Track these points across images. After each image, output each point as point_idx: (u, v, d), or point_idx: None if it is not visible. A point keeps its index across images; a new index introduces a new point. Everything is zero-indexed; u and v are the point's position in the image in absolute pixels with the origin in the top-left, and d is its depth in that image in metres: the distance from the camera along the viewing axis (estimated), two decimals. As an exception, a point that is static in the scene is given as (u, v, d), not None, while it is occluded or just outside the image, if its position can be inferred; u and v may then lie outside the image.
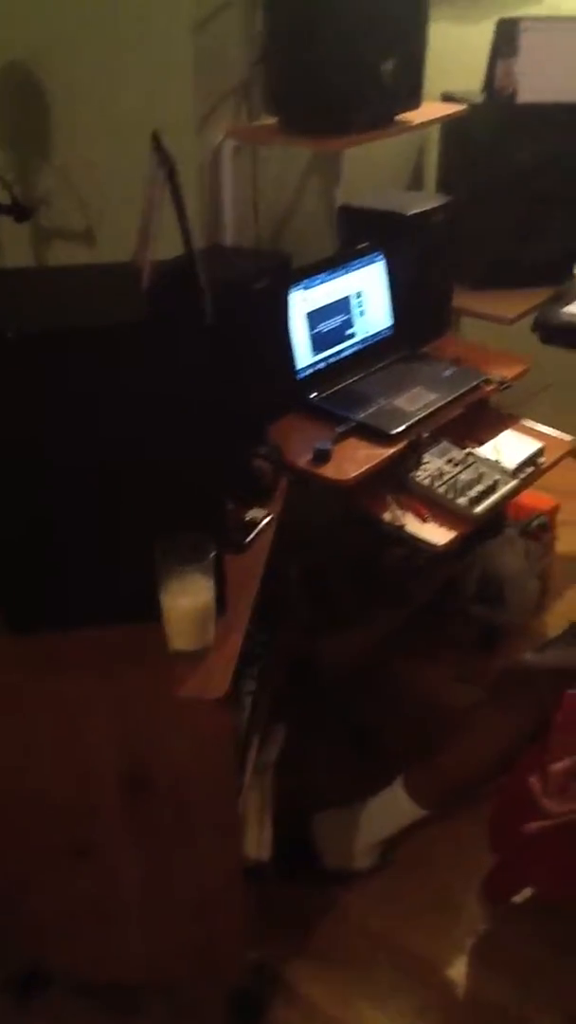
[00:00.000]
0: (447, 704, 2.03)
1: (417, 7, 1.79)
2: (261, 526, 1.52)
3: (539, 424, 2.08)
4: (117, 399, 1.12)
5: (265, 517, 1.55)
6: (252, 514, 1.55)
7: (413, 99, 1.87)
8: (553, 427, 2.11)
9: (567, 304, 2.12)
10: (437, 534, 1.74)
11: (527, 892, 1.73)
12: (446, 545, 1.73)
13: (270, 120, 1.86)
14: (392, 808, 1.73)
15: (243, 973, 1.57)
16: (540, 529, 2.45)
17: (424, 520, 1.77)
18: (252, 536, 1.50)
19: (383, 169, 2.35)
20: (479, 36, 2.22)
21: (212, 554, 1.20)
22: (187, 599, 1.21)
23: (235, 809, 1.38)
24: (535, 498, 2.54)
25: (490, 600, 2.26)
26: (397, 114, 1.87)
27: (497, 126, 2.17)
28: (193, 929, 1.48)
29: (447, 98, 2.27)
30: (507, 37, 2.13)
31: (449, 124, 2.19)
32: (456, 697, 2.02)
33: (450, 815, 1.78)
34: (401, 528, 1.76)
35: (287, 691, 1.91)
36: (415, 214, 2.02)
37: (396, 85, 1.79)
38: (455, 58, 2.33)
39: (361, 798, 1.77)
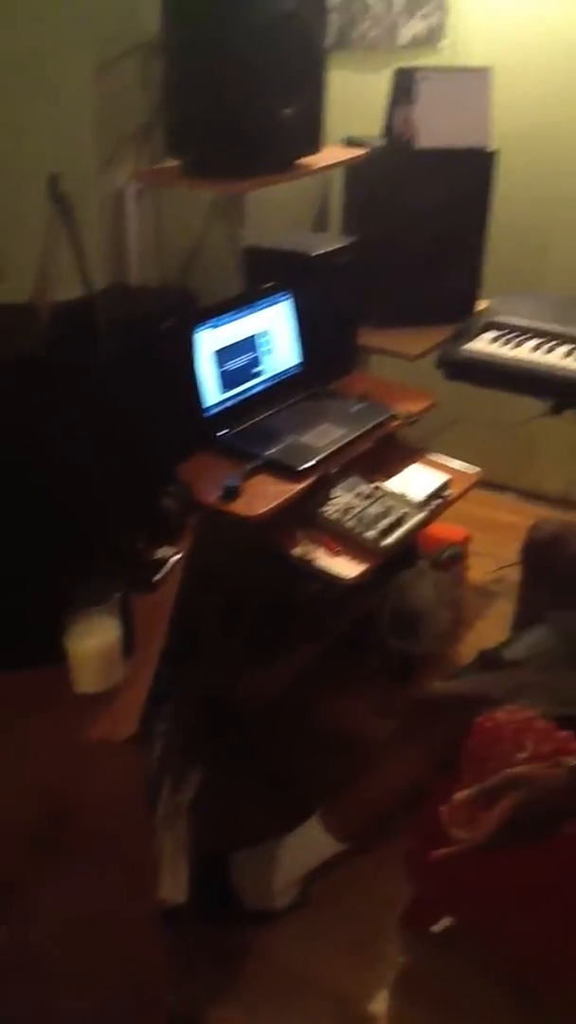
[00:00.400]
0: (365, 737, 2.03)
1: (315, 57, 1.84)
2: (170, 565, 1.52)
3: (445, 457, 2.13)
4: (13, 439, 1.12)
5: (174, 555, 1.55)
6: (161, 553, 1.55)
7: (313, 144, 1.92)
8: (459, 460, 2.17)
9: (468, 341, 2.19)
10: (347, 567, 1.76)
11: (446, 921, 1.74)
12: (356, 578, 1.75)
13: (174, 162, 1.89)
14: (309, 844, 1.72)
15: (168, 1020, 1.54)
16: (452, 560, 2.50)
17: (334, 554, 1.79)
18: (161, 575, 1.49)
19: (289, 210, 2.40)
20: (381, 83, 2.29)
21: (117, 595, 1.20)
22: (92, 640, 1.19)
23: (149, 851, 1.36)
24: (447, 530, 2.59)
25: (404, 632, 2.29)
26: (298, 158, 1.92)
27: (397, 170, 2.25)
28: (113, 977, 1.44)
29: (350, 142, 2.34)
30: (404, 86, 2.21)
31: (352, 167, 2.26)
32: (373, 729, 2.03)
33: (367, 848, 1.78)
34: (311, 562, 1.77)
35: (203, 730, 1.90)
36: (319, 254, 2.07)
37: (296, 130, 1.83)
38: (358, 104, 2.42)
39: (279, 836, 1.76)
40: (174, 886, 1.53)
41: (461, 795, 1.20)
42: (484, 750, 1.32)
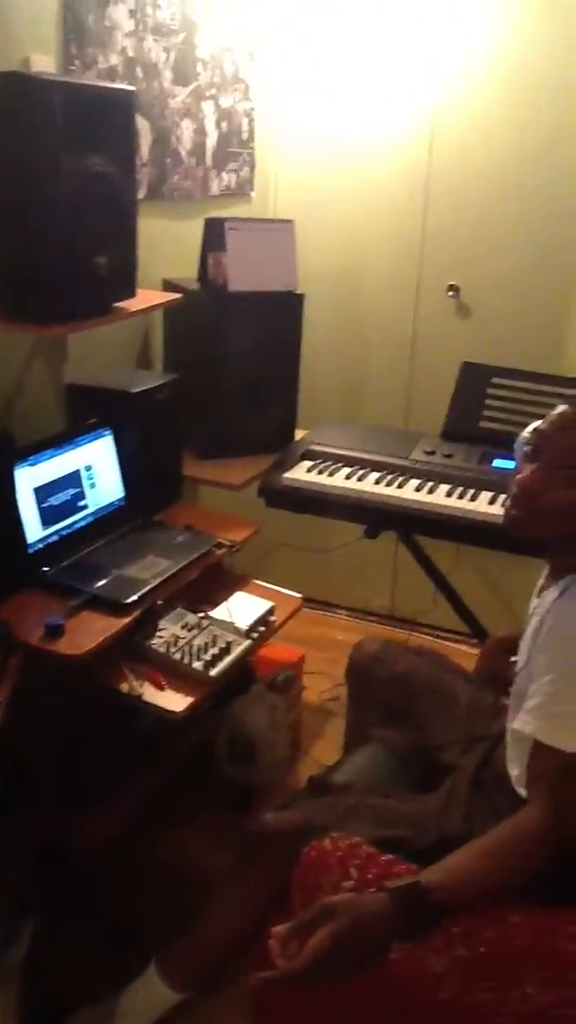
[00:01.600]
0: (206, 873, 1.98)
1: (126, 211, 1.93)
2: (-12, 710, 1.47)
3: (269, 584, 2.19)
4: None
5: (-7, 700, 1.50)
6: (-21, 698, 1.50)
7: (129, 289, 1.99)
8: (284, 586, 2.23)
9: (287, 470, 2.28)
10: (175, 701, 1.76)
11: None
12: (184, 711, 1.74)
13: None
14: (147, 997, 1.65)
15: None
16: (286, 683, 2.52)
17: (162, 688, 1.78)
18: (-22, 722, 1.44)
19: (112, 348, 2.47)
20: (196, 230, 2.43)
21: None
22: None
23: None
24: (282, 651, 2.63)
25: (241, 759, 2.28)
26: (115, 302, 1.99)
27: (213, 311, 2.36)
28: None
29: (167, 285, 2.45)
30: (215, 234, 2.36)
31: (171, 309, 2.36)
32: (215, 864, 1.99)
33: (211, 990, 1.72)
34: (139, 698, 1.76)
35: (34, 880, 1.80)
36: (140, 391, 2.13)
37: (111, 277, 1.91)
38: (176, 248, 2.55)
39: (118, 991, 1.68)
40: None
41: (279, 928, 1.19)
42: (312, 880, 1.33)
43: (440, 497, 2.16)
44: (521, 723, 1.30)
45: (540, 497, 1.36)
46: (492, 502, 2.13)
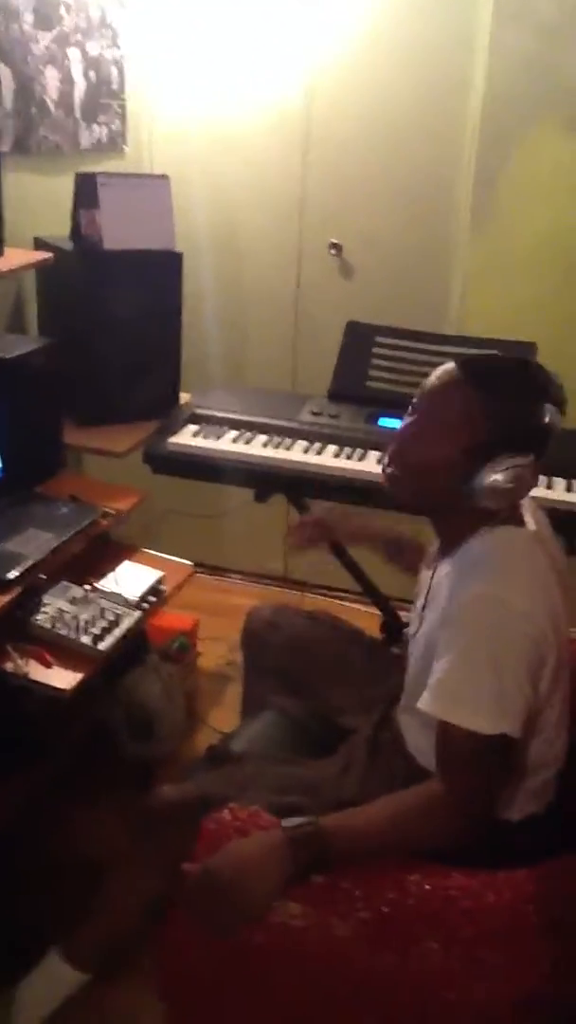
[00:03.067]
0: (109, 851, 1.93)
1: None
2: None
3: (160, 552, 2.13)
4: None
5: None
6: None
7: (-5, 248, 1.89)
8: (175, 553, 2.18)
9: (172, 435, 2.22)
10: (63, 678, 1.70)
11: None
12: (74, 688, 1.68)
13: None
14: (51, 979, 1.60)
15: None
16: (181, 651, 2.49)
17: (49, 665, 1.71)
18: None
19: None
20: (67, 186, 2.32)
21: None
22: None
23: None
24: (175, 619, 2.58)
25: (139, 734, 2.23)
26: (-19, 262, 1.88)
27: (88, 271, 2.26)
28: None
29: (38, 244, 2.33)
30: (87, 190, 2.25)
31: (44, 270, 2.24)
32: (117, 843, 1.94)
33: (115, 973, 1.68)
34: (25, 676, 1.69)
35: None
36: (13, 357, 2.02)
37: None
38: (47, 205, 2.42)
39: (20, 977, 1.62)
40: None
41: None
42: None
43: (328, 458, 2.14)
44: (425, 703, 1.28)
45: (413, 452, 1.35)
46: (380, 461, 2.11)
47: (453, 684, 1.26)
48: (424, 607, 1.45)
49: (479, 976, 1.18)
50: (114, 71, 2.70)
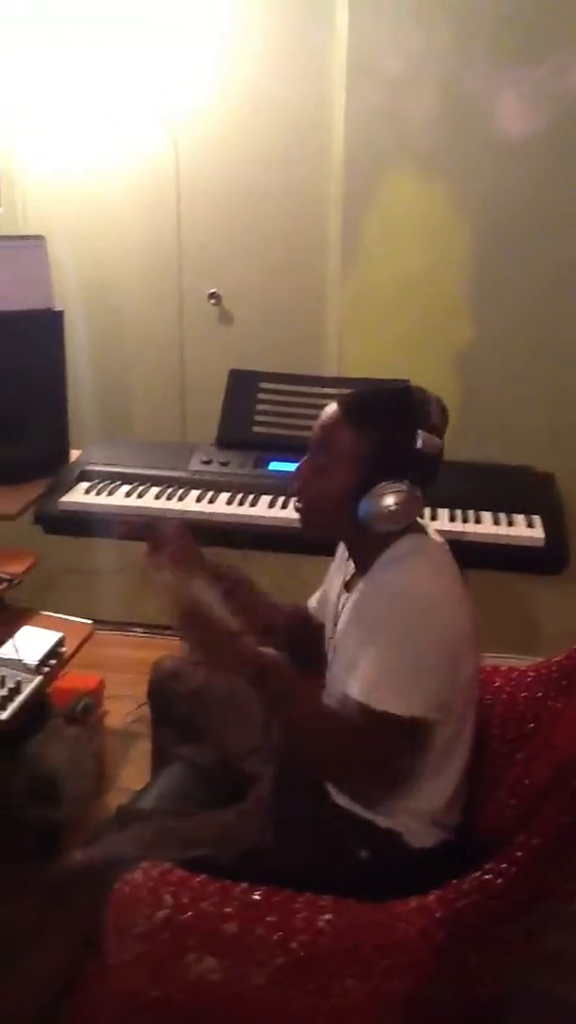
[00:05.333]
0: (13, 926, 1.87)
1: None
2: None
3: (57, 613, 2.11)
4: None
5: None
6: None
7: None
8: (75, 612, 2.15)
9: (63, 494, 2.20)
10: (-37, 751, 1.66)
11: None
12: (-25, 760, 1.65)
13: None
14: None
15: None
16: (85, 712, 2.44)
17: (-53, 739, 1.67)
18: None
19: None
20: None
21: None
22: None
23: None
24: (79, 679, 2.54)
25: (44, 799, 2.18)
26: None
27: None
28: None
29: None
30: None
31: None
32: (24, 915, 1.88)
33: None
34: None
35: None
36: None
37: None
38: None
39: None
40: None
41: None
42: (126, 918, 1.29)
43: (221, 506, 2.17)
44: (350, 689, 1.37)
45: (310, 488, 1.49)
46: (272, 505, 2.16)
47: (369, 672, 1.34)
48: (344, 627, 1.52)
49: (397, 1005, 1.19)
50: (-19, 135, 2.71)
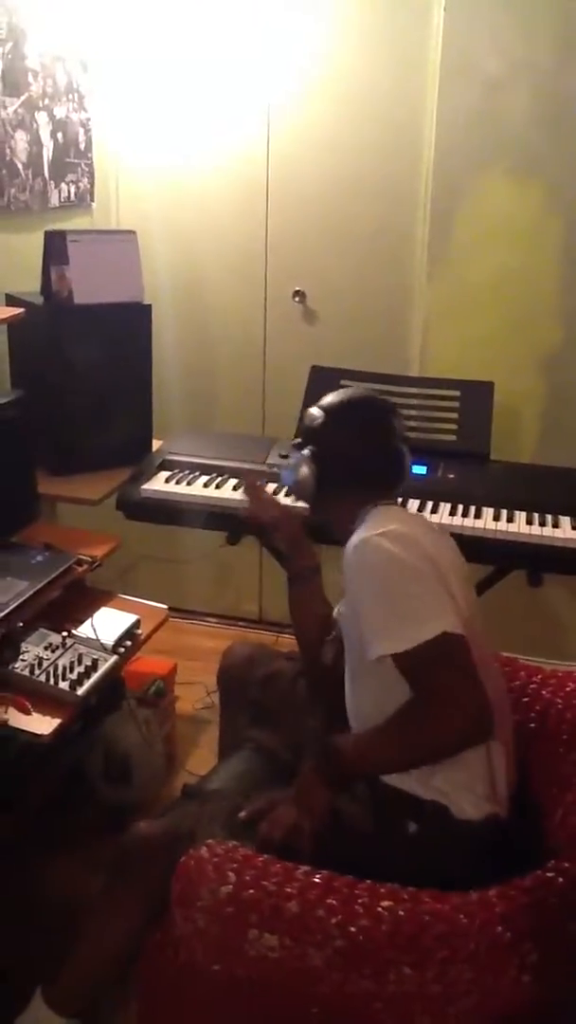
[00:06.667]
0: (84, 898, 1.93)
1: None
2: None
3: (133, 598, 2.16)
4: None
5: None
6: None
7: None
8: (150, 598, 2.21)
9: (145, 482, 2.26)
10: (42, 724, 1.72)
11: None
12: (53, 734, 1.71)
13: None
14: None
15: None
16: (158, 695, 2.50)
17: (28, 711, 1.74)
18: None
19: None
20: (37, 242, 2.38)
21: None
22: None
23: None
24: (152, 663, 2.60)
25: (117, 778, 2.24)
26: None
27: (58, 325, 2.32)
28: None
29: (9, 300, 2.39)
30: (56, 247, 2.32)
31: (15, 325, 2.30)
32: (92, 889, 1.94)
33: (98, 1016, 1.68)
34: (4, 723, 1.71)
35: None
36: (-14, 410, 2.07)
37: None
38: (18, 261, 2.49)
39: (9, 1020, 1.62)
40: None
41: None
42: (190, 891, 1.32)
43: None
44: (370, 652, 1.41)
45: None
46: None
47: (377, 624, 1.41)
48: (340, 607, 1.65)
49: (454, 996, 1.20)
50: (80, 132, 2.80)
